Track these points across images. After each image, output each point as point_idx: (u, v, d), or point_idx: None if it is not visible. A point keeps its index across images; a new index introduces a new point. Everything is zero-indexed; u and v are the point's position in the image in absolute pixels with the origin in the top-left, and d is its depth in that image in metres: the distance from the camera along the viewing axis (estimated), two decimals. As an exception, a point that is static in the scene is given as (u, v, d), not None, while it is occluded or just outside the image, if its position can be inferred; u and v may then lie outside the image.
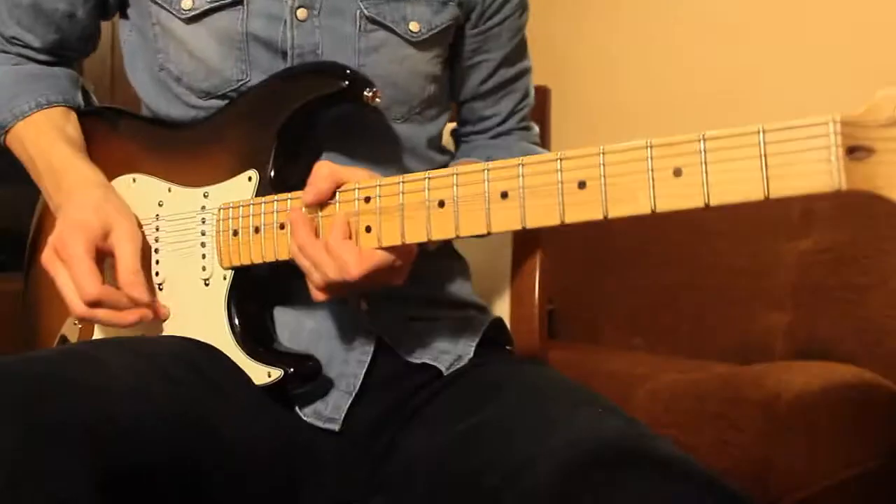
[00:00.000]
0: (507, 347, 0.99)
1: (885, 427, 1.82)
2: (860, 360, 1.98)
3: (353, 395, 0.85)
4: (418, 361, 0.88)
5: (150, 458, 0.65)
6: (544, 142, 3.31)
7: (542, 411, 0.74)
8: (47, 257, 0.83)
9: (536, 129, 1.09)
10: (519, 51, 1.02)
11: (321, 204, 0.77)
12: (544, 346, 1.13)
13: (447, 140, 1.07)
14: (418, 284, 0.82)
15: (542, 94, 3.06)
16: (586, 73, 3.10)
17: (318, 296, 0.77)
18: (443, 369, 0.88)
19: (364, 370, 0.86)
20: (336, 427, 0.84)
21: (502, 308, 1.15)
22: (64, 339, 0.96)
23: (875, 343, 2.04)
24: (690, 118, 2.77)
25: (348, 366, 0.86)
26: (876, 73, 2.31)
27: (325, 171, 0.76)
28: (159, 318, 0.86)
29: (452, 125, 1.07)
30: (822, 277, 2.16)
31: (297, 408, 0.85)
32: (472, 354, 0.91)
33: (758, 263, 2.28)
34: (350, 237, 0.74)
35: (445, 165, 1.02)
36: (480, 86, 1.01)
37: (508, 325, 1.09)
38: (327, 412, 0.85)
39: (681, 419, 1.79)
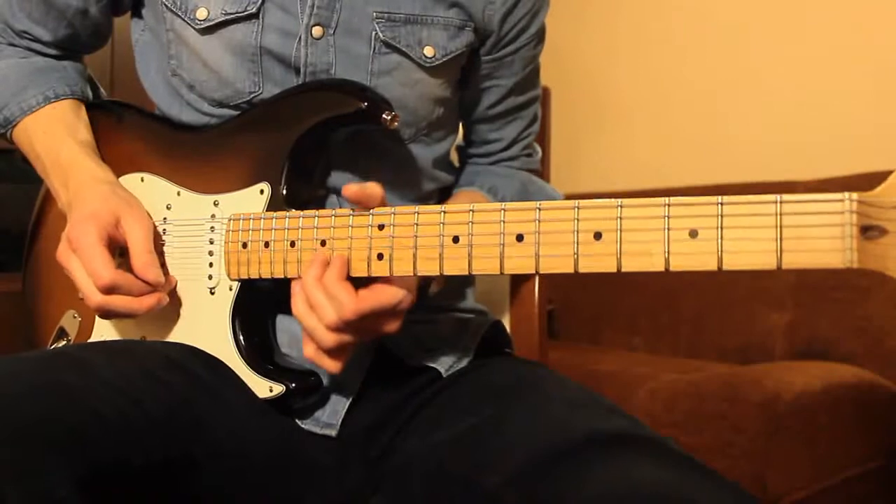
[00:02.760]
0: (507, 350, 0.99)
1: (885, 427, 1.82)
2: (860, 360, 1.98)
3: (351, 399, 0.85)
4: (418, 364, 0.88)
5: (138, 457, 0.65)
6: (544, 142, 3.31)
7: (541, 412, 0.74)
8: (61, 252, 0.82)
9: (539, 153, 1.09)
10: (530, 79, 1.01)
11: (360, 203, 0.75)
12: (544, 346, 1.13)
13: (453, 156, 1.07)
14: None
15: (543, 93, 3.05)
16: (586, 73, 3.10)
17: (329, 363, 0.76)
18: (442, 371, 0.88)
19: (363, 375, 0.86)
20: (333, 433, 0.84)
21: (502, 308, 1.15)
22: (62, 331, 0.95)
23: (875, 343, 2.04)
24: (690, 118, 2.77)
25: (347, 370, 0.85)
26: (877, 75, 2.31)
27: (380, 190, 0.75)
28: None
29: (459, 141, 1.07)
30: (822, 277, 2.16)
31: (295, 418, 0.85)
32: (471, 356, 0.90)
33: (758, 263, 2.28)
34: (347, 279, 0.74)
35: (453, 184, 1.02)
36: (488, 110, 1.00)
37: (508, 326, 1.09)
38: (325, 418, 0.84)
39: (681, 419, 1.79)
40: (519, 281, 1.15)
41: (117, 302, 0.80)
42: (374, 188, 0.75)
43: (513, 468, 0.67)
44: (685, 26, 2.79)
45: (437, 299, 0.95)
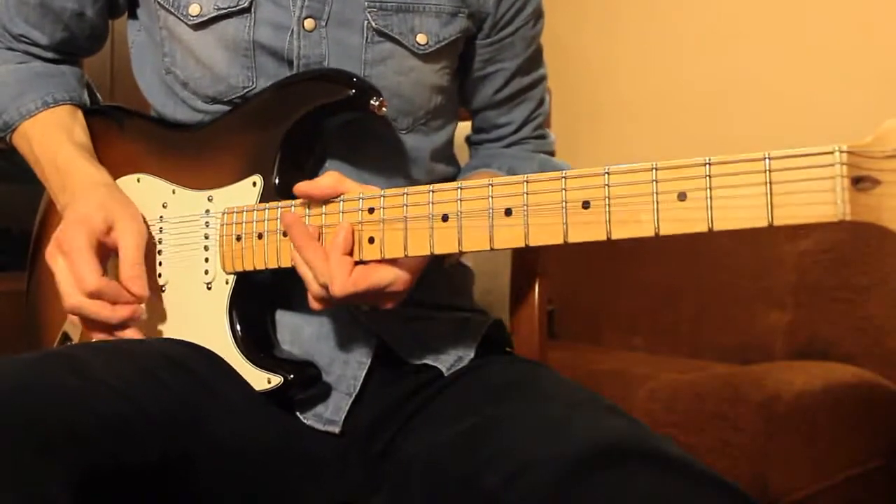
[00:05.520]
0: (507, 349, 0.99)
1: (885, 427, 1.82)
2: (860, 360, 1.98)
3: (353, 396, 0.85)
4: (419, 362, 0.88)
5: (136, 457, 0.65)
6: (544, 142, 3.31)
7: (542, 412, 0.74)
8: (49, 252, 0.83)
9: (552, 136, 1.09)
10: (534, 59, 1.01)
11: (311, 199, 0.76)
12: (544, 346, 1.13)
13: (462, 146, 1.07)
14: (421, 291, 0.82)
15: (542, 93, 3.06)
16: (586, 72, 3.10)
17: (315, 304, 0.78)
18: (443, 370, 0.88)
19: (364, 372, 0.86)
20: (336, 429, 0.84)
21: (502, 308, 1.15)
22: (66, 336, 0.96)
23: (875, 343, 2.04)
24: (691, 117, 2.77)
25: (349, 367, 0.86)
26: (877, 74, 2.31)
27: (330, 178, 0.77)
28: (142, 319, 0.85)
29: (468, 132, 1.07)
30: (822, 277, 2.16)
31: (297, 412, 0.85)
32: (472, 355, 0.91)
33: (758, 263, 2.28)
34: (350, 254, 0.75)
35: (452, 178, 1.01)
36: (494, 95, 1.00)
37: (508, 326, 1.09)
38: (327, 414, 0.85)
39: (681, 419, 1.79)
40: (519, 280, 1.15)
41: (90, 307, 0.80)
42: (325, 179, 0.77)
43: (512, 468, 0.66)
44: (685, 25, 2.80)
45: (438, 298, 0.95)
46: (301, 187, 0.77)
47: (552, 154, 1.08)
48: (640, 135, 2.94)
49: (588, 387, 0.80)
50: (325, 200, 0.77)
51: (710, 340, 2.40)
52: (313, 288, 0.76)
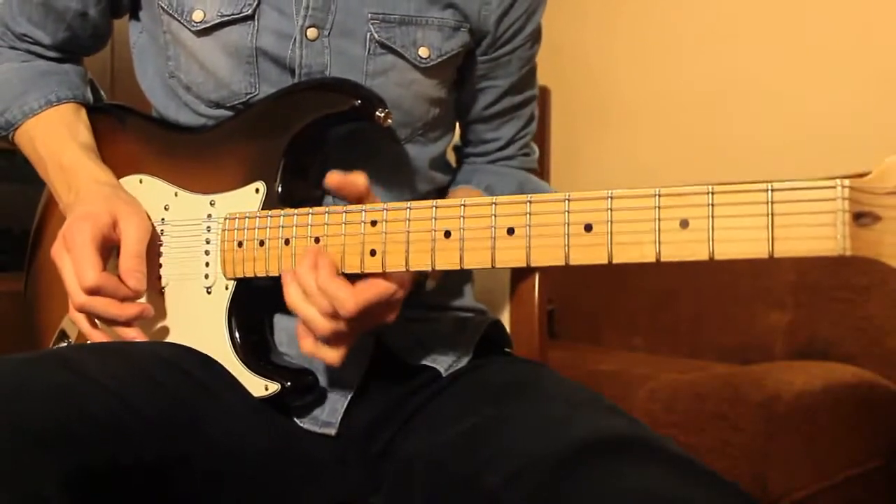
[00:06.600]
0: (507, 349, 0.99)
1: (885, 427, 1.82)
2: (860, 360, 1.98)
3: (350, 398, 0.85)
4: (417, 363, 0.88)
5: (129, 457, 0.65)
6: (544, 141, 3.31)
7: (542, 411, 0.74)
8: (55, 249, 0.82)
9: (536, 153, 1.09)
10: (527, 79, 1.01)
11: (340, 192, 0.75)
12: (544, 346, 1.13)
13: (450, 156, 1.07)
14: (420, 292, 0.82)
15: (543, 93, 3.06)
16: (586, 73, 3.10)
17: (328, 354, 0.76)
18: (442, 371, 0.88)
19: (362, 373, 0.86)
20: (332, 431, 0.84)
21: (502, 308, 1.15)
22: (63, 334, 0.96)
23: (875, 343, 2.04)
24: (690, 117, 2.77)
25: (347, 369, 0.86)
26: (877, 74, 2.32)
27: (363, 179, 0.75)
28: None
29: (456, 141, 1.07)
30: (822, 277, 2.16)
31: (293, 417, 0.85)
32: (471, 356, 0.91)
33: (758, 263, 2.28)
34: (339, 274, 0.74)
35: (449, 184, 1.02)
36: (485, 110, 1.00)
37: (508, 326, 1.09)
38: (324, 416, 0.84)
39: (681, 419, 1.79)
40: (519, 280, 1.15)
41: (98, 305, 0.80)
42: (357, 176, 0.75)
43: (513, 468, 0.66)
44: (686, 26, 2.80)
45: (437, 298, 0.95)
46: (335, 179, 0.74)
47: (534, 170, 1.09)
48: (640, 134, 2.94)
49: (588, 387, 0.80)
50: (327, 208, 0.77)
51: (709, 340, 2.41)
52: (320, 324, 0.74)
